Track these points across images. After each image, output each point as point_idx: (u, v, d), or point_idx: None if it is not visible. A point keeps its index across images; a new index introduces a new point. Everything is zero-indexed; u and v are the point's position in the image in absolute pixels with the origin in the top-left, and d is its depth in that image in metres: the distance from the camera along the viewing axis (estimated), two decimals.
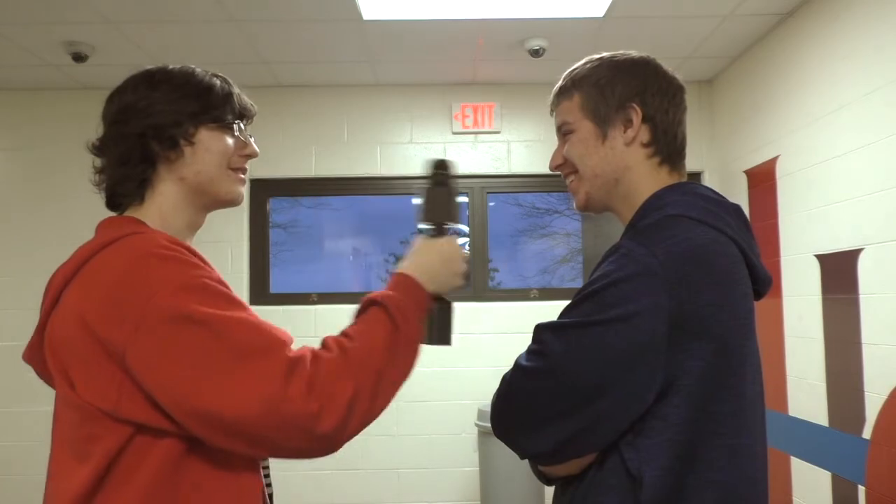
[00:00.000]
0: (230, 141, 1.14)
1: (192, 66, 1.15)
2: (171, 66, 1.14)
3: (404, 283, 1.09)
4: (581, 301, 1.04)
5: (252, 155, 1.18)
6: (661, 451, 0.99)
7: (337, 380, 0.95)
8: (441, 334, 1.17)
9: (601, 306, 1.00)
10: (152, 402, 0.94)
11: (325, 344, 1.01)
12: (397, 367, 1.02)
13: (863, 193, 2.65)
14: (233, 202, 1.17)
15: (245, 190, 4.57)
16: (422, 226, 1.21)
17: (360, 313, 1.07)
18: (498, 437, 1.11)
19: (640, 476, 0.99)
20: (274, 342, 0.95)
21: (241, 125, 1.17)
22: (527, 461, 1.14)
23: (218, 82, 1.15)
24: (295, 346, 0.98)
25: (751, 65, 3.58)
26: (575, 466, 1.07)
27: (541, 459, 1.10)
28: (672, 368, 0.98)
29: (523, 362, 1.06)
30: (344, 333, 1.03)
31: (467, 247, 1.19)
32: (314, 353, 0.98)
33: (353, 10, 3.05)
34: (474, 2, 3.05)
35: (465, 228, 1.22)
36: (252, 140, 1.19)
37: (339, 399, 0.94)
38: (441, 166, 1.20)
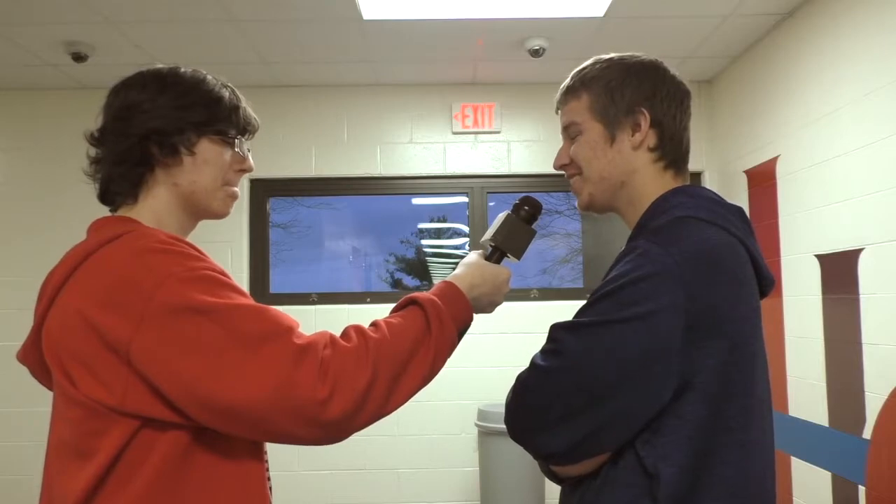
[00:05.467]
0: (228, 155, 1.14)
1: (204, 73, 1.14)
2: (182, 70, 1.13)
3: (450, 293, 1.11)
4: (598, 300, 1.04)
5: (248, 170, 1.19)
6: (678, 448, 0.99)
7: (354, 367, 0.95)
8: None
9: (619, 305, 1.01)
10: (158, 395, 0.94)
11: (345, 332, 1.02)
12: (420, 369, 1.03)
13: (863, 193, 2.65)
14: (220, 216, 1.18)
15: (245, 190, 4.53)
16: (486, 242, 1.25)
17: (397, 309, 1.09)
18: (512, 438, 1.10)
19: (657, 473, 0.99)
20: (280, 328, 0.96)
21: (242, 139, 1.17)
22: (530, 462, 1.14)
23: (227, 94, 1.14)
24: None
25: (751, 65, 3.58)
26: (589, 465, 1.07)
27: (556, 459, 1.09)
28: (688, 367, 0.99)
29: (539, 361, 1.06)
30: (373, 324, 1.04)
31: None
32: (332, 339, 0.98)
33: (353, 10, 3.05)
34: (474, 2, 3.05)
35: (515, 262, 1.29)
36: (249, 155, 1.19)
37: (353, 386, 0.94)
38: (536, 207, 1.26)
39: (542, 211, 1.27)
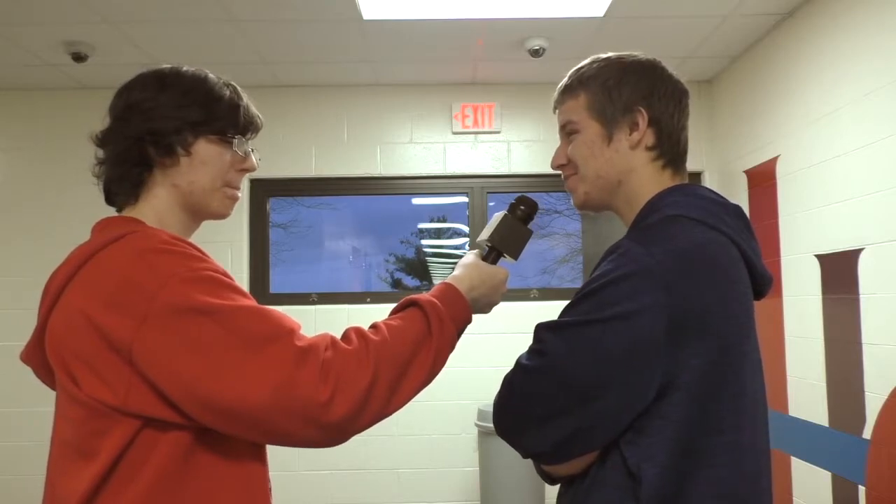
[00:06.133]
0: (228, 156, 1.13)
1: (206, 72, 1.14)
2: (184, 69, 1.13)
3: (450, 294, 1.11)
4: (580, 300, 1.05)
5: (250, 169, 1.18)
6: (661, 448, 0.99)
7: (355, 368, 0.96)
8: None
9: (600, 305, 1.01)
10: (161, 395, 0.94)
11: (346, 334, 1.02)
12: (421, 371, 1.03)
13: (863, 193, 2.65)
14: (220, 217, 1.18)
15: (245, 190, 4.53)
16: (482, 241, 1.24)
17: (396, 311, 1.09)
18: (500, 437, 1.11)
19: (639, 474, 0.99)
20: (282, 330, 0.96)
21: (244, 139, 1.16)
22: (529, 462, 1.15)
23: (227, 93, 1.13)
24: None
25: (751, 65, 3.58)
26: (577, 465, 1.07)
27: (542, 458, 1.10)
28: (671, 367, 0.98)
29: (524, 361, 1.07)
30: (373, 326, 1.05)
31: None
32: (333, 341, 0.99)
33: (353, 10, 3.05)
34: (474, 2, 3.05)
35: (512, 263, 1.28)
36: (253, 153, 1.18)
37: (355, 387, 0.94)
38: (532, 207, 1.25)
39: (541, 211, 1.26)
